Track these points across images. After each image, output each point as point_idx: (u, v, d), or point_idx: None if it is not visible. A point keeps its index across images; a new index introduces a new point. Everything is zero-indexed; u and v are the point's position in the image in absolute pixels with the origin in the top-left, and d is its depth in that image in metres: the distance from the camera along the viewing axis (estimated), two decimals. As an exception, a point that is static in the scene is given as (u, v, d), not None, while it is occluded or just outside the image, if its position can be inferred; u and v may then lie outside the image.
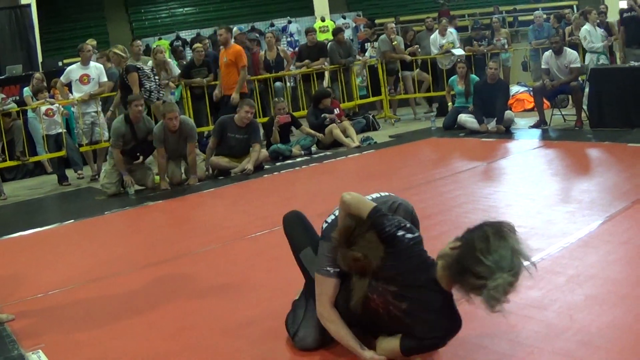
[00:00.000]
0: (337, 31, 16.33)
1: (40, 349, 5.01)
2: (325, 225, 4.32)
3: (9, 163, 12.64)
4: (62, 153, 12.75)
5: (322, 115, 13.59)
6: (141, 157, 11.44)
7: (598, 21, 15.11)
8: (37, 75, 14.06)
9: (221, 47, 13.32)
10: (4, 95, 13.36)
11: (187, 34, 24.45)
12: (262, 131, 12.95)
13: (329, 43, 16.66)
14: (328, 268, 4.15)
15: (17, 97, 14.30)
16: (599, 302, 4.80)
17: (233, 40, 14.08)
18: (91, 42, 14.01)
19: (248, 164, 11.55)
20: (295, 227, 4.74)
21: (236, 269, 6.56)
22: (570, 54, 12.76)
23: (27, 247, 8.40)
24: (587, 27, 14.71)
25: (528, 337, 4.40)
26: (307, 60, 15.61)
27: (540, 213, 7.22)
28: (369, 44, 17.87)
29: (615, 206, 7.08)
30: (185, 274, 6.61)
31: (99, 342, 5.13)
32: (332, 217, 4.30)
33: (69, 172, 13.04)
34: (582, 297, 4.90)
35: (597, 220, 6.68)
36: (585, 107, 12.61)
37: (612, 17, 16.96)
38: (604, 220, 6.66)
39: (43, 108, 12.75)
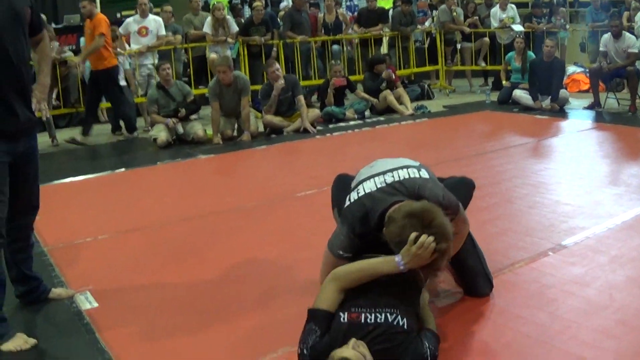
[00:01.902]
0: (405, 1, 16.16)
1: (88, 291, 5.20)
2: (347, 203, 4.25)
3: (62, 110, 12.83)
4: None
5: (380, 75, 13.66)
6: (183, 111, 11.56)
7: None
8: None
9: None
10: (59, 44, 13.48)
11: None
12: (315, 95, 13.09)
13: (393, 10, 16.67)
14: (340, 252, 4.20)
15: (74, 47, 14.43)
16: (639, 284, 4.87)
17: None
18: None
19: (305, 122, 11.71)
20: (336, 186, 4.94)
21: (284, 226, 6.71)
22: (629, 38, 12.67)
23: (77, 193, 8.60)
24: (642, 12, 14.61)
25: (567, 311, 4.49)
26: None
27: (588, 193, 7.27)
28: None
29: (663, 192, 7.09)
30: (233, 228, 6.76)
31: (143, 287, 5.33)
32: (355, 195, 4.21)
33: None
34: (623, 278, 4.98)
35: (643, 205, 6.71)
36: (640, 93, 12.56)
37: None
38: (651, 206, 6.69)
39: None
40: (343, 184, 4.75)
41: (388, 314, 3.66)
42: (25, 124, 4.53)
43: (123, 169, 9.64)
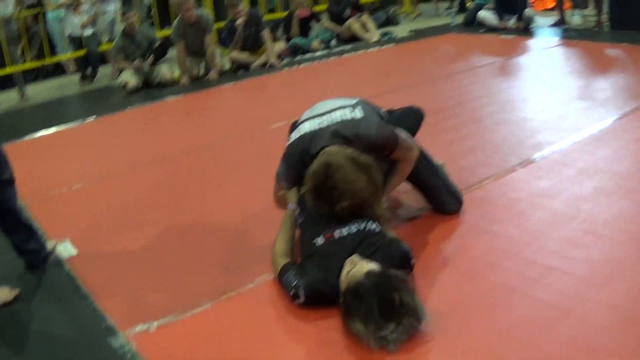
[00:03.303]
0: None
1: (67, 240, 5.22)
2: (289, 140, 4.47)
3: (28, 65, 12.51)
4: (83, 52, 12.71)
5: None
6: (151, 58, 11.46)
7: None
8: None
9: None
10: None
11: None
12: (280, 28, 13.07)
13: None
14: (283, 182, 4.43)
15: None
16: (606, 195, 4.94)
17: None
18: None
19: (270, 57, 11.65)
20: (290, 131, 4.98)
21: (258, 158, 6.74)
22: (595, -50, 12.64)
23: (50, 146, 8.53)
24: None
25: (535, 223, 4.57)
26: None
27: (554, 108, 7.30)
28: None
29: (630, 105, 7.10)
30: (208, 165, 6.82)
31: (121, 231, 5.36)
32: (296, 134, 4.42)
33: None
34: (590, 189, 5.04)
35: (609, 118, 6.74)
36: (606, 8, 12.52)
37: None
38: (616, 118, 6.72)
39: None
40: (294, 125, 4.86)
41: (357, 224, 3.85)
42: None
43: (94, 117, 9.57)
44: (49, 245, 5.02)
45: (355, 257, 3.61)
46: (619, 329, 3.33)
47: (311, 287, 3.72)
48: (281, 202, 4.57)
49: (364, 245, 3.75)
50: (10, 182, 4.68)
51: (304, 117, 4.55)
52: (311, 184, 3.87)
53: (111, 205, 5.97)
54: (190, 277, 4.43)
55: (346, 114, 4.32)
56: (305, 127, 4.35)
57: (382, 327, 3.24)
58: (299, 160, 4.24)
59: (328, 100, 4.62)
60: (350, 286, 3.41)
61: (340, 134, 4.15)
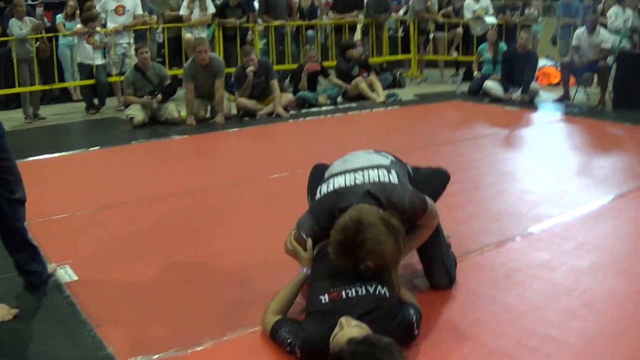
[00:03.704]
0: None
1: (67, 265, 5.29)
2: (318, 195, 4.40)
3: (37, 87, 12.50)
4: (92, 81, 12.86)
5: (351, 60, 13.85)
6: (160, 97, 11.58)
7: (633, 6, 15.11)
8: (71, 2, 14.02)
9: None
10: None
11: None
12: (288, 79, 13.22)
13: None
14: (304, 235, 4.34)
15: (49, 24, 14.33)
16: (603, 270, 5.03)
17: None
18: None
19: (277, 107, 11.78)
20: (312, 175, 5.07)
21: (258, 205, 6.82)
22: (603, 33, 12.81)
23: (53, 170, 8.62)
24: (615, 8, 14.73)
25: (534, 293, 4.64)
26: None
27: (555, 182, 7.42)
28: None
29: (629, 185, 7.25)
30: (208, 206, 6.89)
31: (122, 261, 5.44)
32: (325, 189, 4.36)
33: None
34: (588, 263, 5.13)
35: (609, 195, 6.87)
36: (610, 87, 12.73)
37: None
38: (615, 196, 6.85)
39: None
40: (318, 173, 4.87)
41: (367, 286, 3.81)
42: None
43: (98, 147, 9.67)
44: (50, 268, 5.10)
45: (344, 319, 3.60)
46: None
47: (307, 344, 3.74)
48: (292, 252, 4.50)
49: (371, 311, 3.72)
50: (22, 202, 4.76)
51: (335, 169, 4.50)
52: (339, 237, 3.77)
53: (113, 235, 6.04)
54: (191, 314, 4.48)
55: (381, 176, 4.25)
56: (338, 182, 4.29)
57: None
58: (327, 217, 4.15)
59: (362, 152, 4.62)
60: (333, 351, 3.42)
61: (373, 195, 4.11)
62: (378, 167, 4.35)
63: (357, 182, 4.22)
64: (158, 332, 4.26)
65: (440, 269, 4.73)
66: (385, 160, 4.49)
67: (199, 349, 4.03)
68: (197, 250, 5.66)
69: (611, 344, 3.97)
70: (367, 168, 4.33)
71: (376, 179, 4.22)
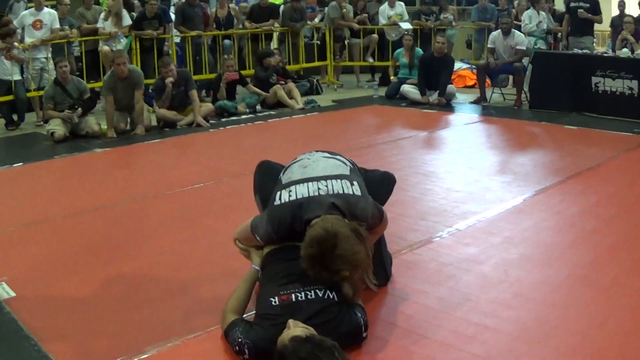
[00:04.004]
0: (295, -4, 16.42)
1: (3, 281, 5.22)
2: (277, 201, 4.33)
3: None
4: (11, 97, 12.70)
5: (269, 68, 13.93)
6: (80, 111, 11.47)
7: (547, 9, 15.43)
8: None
9: None
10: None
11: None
12: (204, 90, 13.25)
13: (283, 6, 16.87)
14: (258, 238, 4.35)
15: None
16: (532, 261, 5.17)
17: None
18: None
19: (197, 117, 11.76)
20: (260, 172, 5.01)
21: (182, 214, 6.82)
22: (518, 36, 13.14)
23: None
24: (529, 11, 15.03)
25: (466, 286, 4.76)
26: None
27: (478, 181, 7.58)
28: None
29: (549, 180, 7.44)
30: (135, 217, 6.87)
31: (57, 275, 5.39)
32: (286, 196, 4.29)
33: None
34: (516, 256, 5.27)
35: (531, 191, 7.05)
36: (525, 88, 12.99)
37: (559, 6, 17.26)
38: (537, 192, 7.03)
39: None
40: (267, 171, 4.89)
41: (317, 290, 3.88)
42: None
43: (21, 163, 9.54)
44: None
45: (291, 322, 3.64)
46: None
47: (256, 345, 3.76)
48: (245, 250, 4.59)
49: (318, 314, 3.78)
50: None
51: (295, 175, 4.43)
52: (315, 251, 3.79)
53: (45, 251, 5.96)
54: (132, 324, 4.47)
55: (345, 188, 4.27)
56: (301, 191, 4.26)
57: None
58: (288, 227, 4.18)
59: (320, 157, 4.61)
60: (277, 349, 3.47)
61: (338, 207, 4.13)
62: (340, 177, 4.35)
63: (322, 192, 4.22)
64: (102, 343, 4.24)
65: (378, 268, 4.74)
66: (345, 168, 4.48)
67: (144, 357, 4.03)
68: (131, 262, 5.63)
69: (544, 330, 4.09)
70: (330, 178, 4.33)
71: (340, 191, 4.24)
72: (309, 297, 3.85)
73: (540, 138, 10.38)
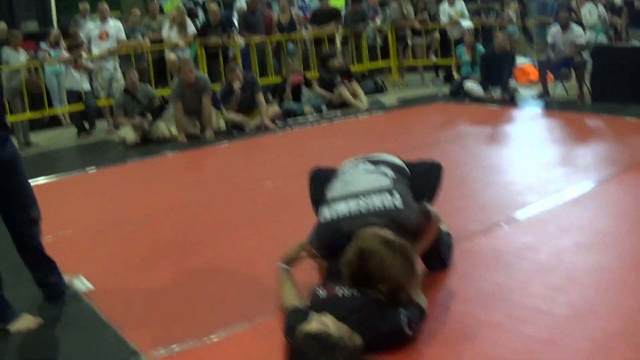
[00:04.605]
0: (355, 0, 16.67)
1: (81, 276, 5.58)
2: (321, 219, 4.56)
3: (28, 115, 12.77)
4: (82, 106, 13.18)
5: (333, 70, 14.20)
6: (150, 117, 11.90)
7: (604, 2, 15.47)
8: (55, 31, 14.28)
9: None
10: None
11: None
12: (270, 93, 13.59)
13: (345, 9, 17.17)
14: (314, 250, 4.67)
15: (34, 53, 14.57)
16: (586, 249, 5.34)
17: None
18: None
19: (265, 119, 12.07)
20: (312, 183, 5.28)
21: (253, 213, 7.13)
22: (577, 30, 13.18)
23: (53, 191, 8.84)
24: (588, 5, 15.08)
25: (521, 272, 4.97)
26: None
27: (537, 173, 7.73)
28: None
29: (608, 171, 7.55)
30: (208, 216, 7.18)
31: (133, 271, 5.77)
32: (327, 215, 4.50)
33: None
34: (570, 243, 5.44)
35: (590, 182, 7.17)
36: (587, 82, 13.05)
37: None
38: (596, 183, 7.15)
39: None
40: (320, 181, 5.09)
41: (363, 291, 4.02)
42: (7, 127, 4.83)
43: (94, 169, 9.94)
44: (66, 279, 5.37)
45: (315, 315, 3.83)
46: (597, 357, 3.74)
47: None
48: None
49: (359, 311, 3.90)
50: (37, 221, 5.04)
51: (336, 191, 4.63)
52: (347, 272, 3.92)
53: (121, 249, 6.34)
54: (204, 311, 4.80)
55: (386, 201, 4.40)
56: (341, 209, 4.43)
57: None
58: (331, 242, 4.35)
59: (362, 170, 4.78)
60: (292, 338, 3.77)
61: (378, 221, 4.25)
62: (381, 191, 4.48)
63: (362, 210, 4.37)
64: (175, 327, 4.55)
65: (435, 259, 5.01)
66: (386, 180, 4.61)
67: (215, 339, 4.34)
68: (203, 257, 5.95)
69: (594, 312, 4.27)
70: (370, 193, 4.47)
71: (380, 206, 4.37)
72: (353, 294, 3.98)
73: (601, 130, 10.46)
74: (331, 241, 4.37)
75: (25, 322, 4.75)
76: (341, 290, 4.04)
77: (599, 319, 4.18)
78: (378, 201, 4.40)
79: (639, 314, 4.26)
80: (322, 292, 4.11)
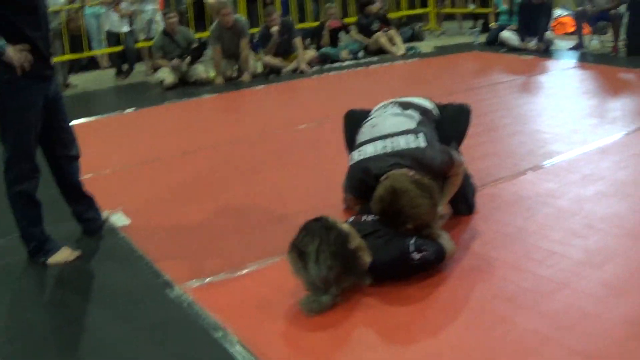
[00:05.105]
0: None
1: (119, 211, 5.85)
2: (351, 160, 4.82)
3: (67, 56, 12.99)
4: (121, 48, 13.45)
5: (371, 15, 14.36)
6: (189, 59, 12.14)
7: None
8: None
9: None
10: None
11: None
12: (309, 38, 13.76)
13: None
14: (349, 194, 5.07)
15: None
16: (606, 197, 5.50)
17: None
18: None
19: (301, 63, 12.24)
20: (346, 125, 5.50)
21: (287, 153, 7.38)
22: (615, -18, 13.16)
23: (92, 131, 9.08)
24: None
25: (541, 217, 5.14)
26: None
27: (565, 123, 7.86)
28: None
29: (635, 124, 7.62)
30: (242, 155, 7.46)
31: (168, 207, 6.03)
32: (357, 156, 4.76)
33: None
34: (592, 192, 5.61)
35: (616, 134, 7.29)
36: (623, 35, 13.03)
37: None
38: (622, 134, 7.26)
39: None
40: (353, 123, 5.31)
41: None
42: (52, 66, 5.01)
43: (133, 109, 10.22)
44: (103, 215, 5.63)
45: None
46: (609, 300, 3.91)
47: None
48: (350, 205, 5.23)
49: (374, 233, 4.22)
50: (77, 158, 5.28)
51: (365, 135, 4.87)
52: (378, 208, 4.24)
53: (157, 185, 6.61)
54: (237, 245, 5.05)
55: (410, 142, 4.63)
56: (368, 150, 4.68)
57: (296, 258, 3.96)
58: (361, 181, 4.63)
59: (389, 114, 4.99)
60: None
61: (404, 161, 4.52)
62: (406, 132, 4.72)
63: (387, 150, 4.62)
64: (209, 260, 4.81)
65: (461, 201, 5.21)
66: (412, 122, 4.84)
67: (246, 271, 4.58)
68: (236, 194, 6.20)
69: (608, 257, 4.45)
70: (396, 135, 4.71)
71: (405, 146, 4.61)
72: (374, 218, 4.32)
73: (633, 84, 10.48)
74: (360, 180, 4.66)
75: (64, 254, 5.00)
76: (364, 216, 4.39)
77: (613, 264, 4.35)
78: (403, 142, 4.64)
79: (650, 258, 4.44)
80: (350, 219, 4.43)
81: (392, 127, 4.80)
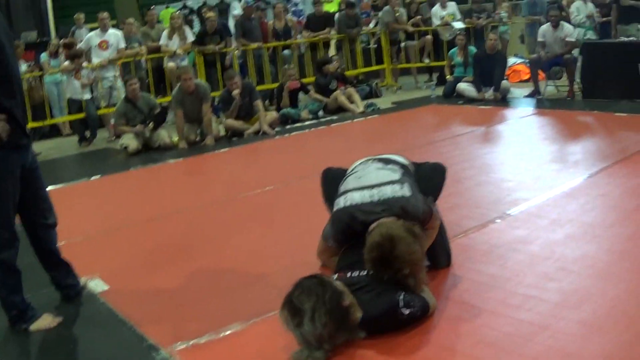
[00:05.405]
0: (348, 5, 16.90)
1: (97, 276, 5.86)
2: (336, 207, 4.92)
3: (30, 124, 12.66)
4: (83, 115, 13.47)
5: (328, 75, 14.56)
6: (151, 125, 12.17)
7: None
8: (54, 41, 14.73)
9: None
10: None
11: (193, 2, 24.67)
12: (268, 98, 13.87)
13: (338, 13, 17.40)
14: (329, 243, 5.03)
15: (33, 63, 14.87)
16: (575, 240, 5.63)
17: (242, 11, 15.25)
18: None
19: (263, 125, 12.33)
20: (324, 181, 5.59)
21: (255, 216, 7.37)
22: (567, 27, 13.44)
23: (59, 199, 8.69)
24: (577, 3, 15.31)
25: (514, 264, 5.24)
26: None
27: (529, 170, 8.02)
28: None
29: (597, 166, 7.84)
30: (211, 220, 7.44)
31: (144, 272, 6.03)
32: (342, 202, 4.85)
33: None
34: (562, 236, 5.73)
35: (579, 177, 7.47)
36: (578, 79, 13.31)
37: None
38: (586, 177, 7.45)
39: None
40: (331, 179, 5.43)
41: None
42: (28, 135, 5.05)
43: (98, 176, 10.21)
44: (81, 281, 5.63)
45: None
46: (587, 338, 4.01)
47: None
48: (325, 258, 5.26)
49: (363, 288, 4.27)
50: (54, 226, 5.31)
51: (350, 184, 4.96)
52: (376, 255, 4.24)
53: (131, 252, 6.60)
54: (218, 307, 5.05)
55: (396, 191, 4.74)
56: (356, 197, 4.77)
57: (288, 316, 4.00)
58: (347, 225, 4.71)
59: (372, 167, 5.10)
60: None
61: (393, 209, 4.62)
62: (391, 182, 4.84)
63: (374, 199, 4.72)
64: (191, 322, 4.82)
65: (441, 253, 5.29)
66: (396, 174, 4.95)
67: (230, 332, 4.61)
68: (210, 257, 6.21)
69: (584, 297, 4.56)
70: (382, 185, 4.82)
71: (390, 195, 4.72)
72: (360, 274, 4.38)
73: (592, 127, 10.75)
74: (347, 225, 4.74)
75: (45, 321, 5.00)
76: (350, 273, 4.43)
77: (589, 304, 4.45)
78: (389, 190, 4.75)
79: (626, 298, 4.53)
80: (335, 277, 4.43)
81: (378, 179, 4.90)
